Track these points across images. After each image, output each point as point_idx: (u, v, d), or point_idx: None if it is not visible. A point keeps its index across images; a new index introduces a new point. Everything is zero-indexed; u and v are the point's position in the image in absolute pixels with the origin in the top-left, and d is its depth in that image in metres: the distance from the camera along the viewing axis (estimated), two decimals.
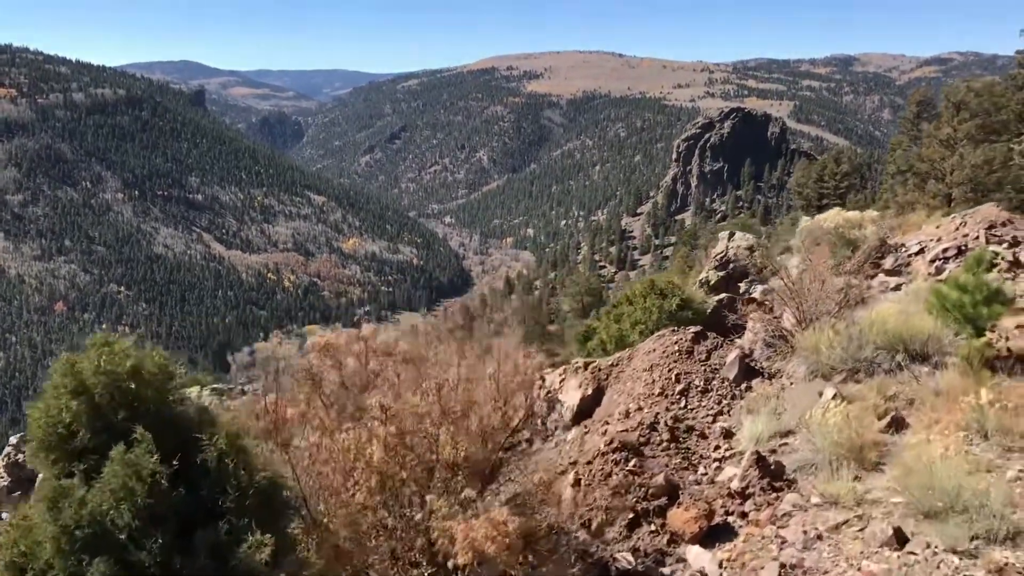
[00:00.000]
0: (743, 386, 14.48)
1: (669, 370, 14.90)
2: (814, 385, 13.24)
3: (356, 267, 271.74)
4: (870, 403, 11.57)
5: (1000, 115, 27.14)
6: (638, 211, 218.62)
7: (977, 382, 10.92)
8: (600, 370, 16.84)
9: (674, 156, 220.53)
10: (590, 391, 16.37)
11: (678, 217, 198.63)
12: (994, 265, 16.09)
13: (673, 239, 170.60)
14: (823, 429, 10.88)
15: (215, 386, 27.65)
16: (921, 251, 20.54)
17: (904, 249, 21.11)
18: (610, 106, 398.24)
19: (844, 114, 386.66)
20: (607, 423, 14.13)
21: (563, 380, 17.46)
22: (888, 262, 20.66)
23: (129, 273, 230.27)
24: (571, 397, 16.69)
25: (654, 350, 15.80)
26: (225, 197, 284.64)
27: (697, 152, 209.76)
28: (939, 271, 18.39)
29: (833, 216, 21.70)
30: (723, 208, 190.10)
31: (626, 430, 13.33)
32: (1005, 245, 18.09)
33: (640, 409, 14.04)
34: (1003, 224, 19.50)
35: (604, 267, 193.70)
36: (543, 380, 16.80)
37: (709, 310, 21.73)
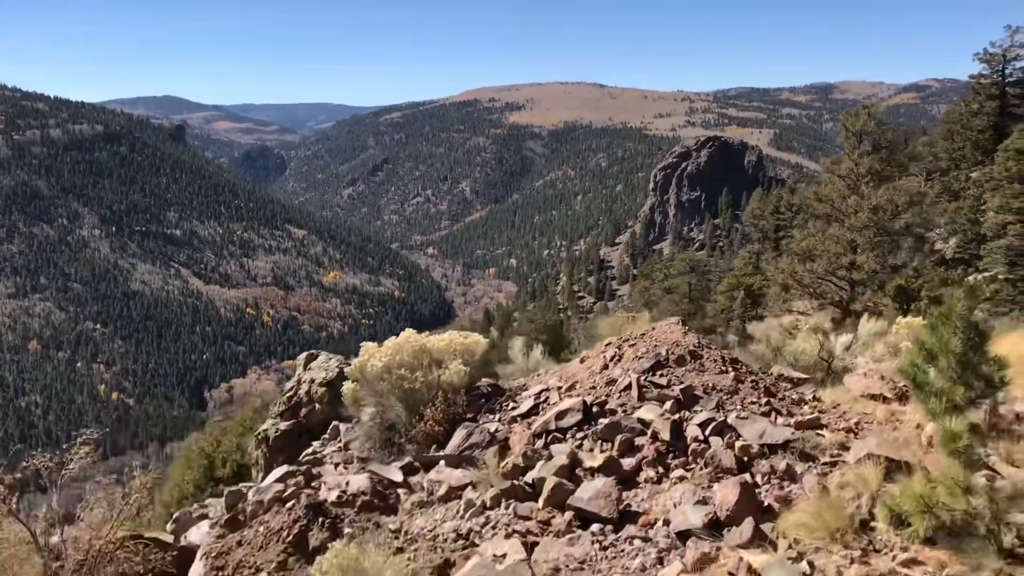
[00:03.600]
0: None
1: None
2: None
3: (337, 300, 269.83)
4: None
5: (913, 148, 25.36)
6: (617, 241, 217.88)
7: None
8: None
9: (651, 186, 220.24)
10: None
11: (656, 247, 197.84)
12: (635, 448, 10.42)
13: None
14: None
15: None
16: (536, 408, 12.46)
17: (510, 405, 13.01)
18: (592, 136, 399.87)
19: (824, 141, 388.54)
20: None
21: None
22: (457, 439, 12.28)
23: (105, 310, 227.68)
24: None
25: None
26: (204, 232, 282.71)
27: (674, 181, 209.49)
28: (529, 461, 10.75)
29: (399, 344, 13.70)
30: (701, 237, 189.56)
31: None
32: (668, 405, 10.91)
33: None
34: (678, 360, 12.09)
35: (583, 297, 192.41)
36: None
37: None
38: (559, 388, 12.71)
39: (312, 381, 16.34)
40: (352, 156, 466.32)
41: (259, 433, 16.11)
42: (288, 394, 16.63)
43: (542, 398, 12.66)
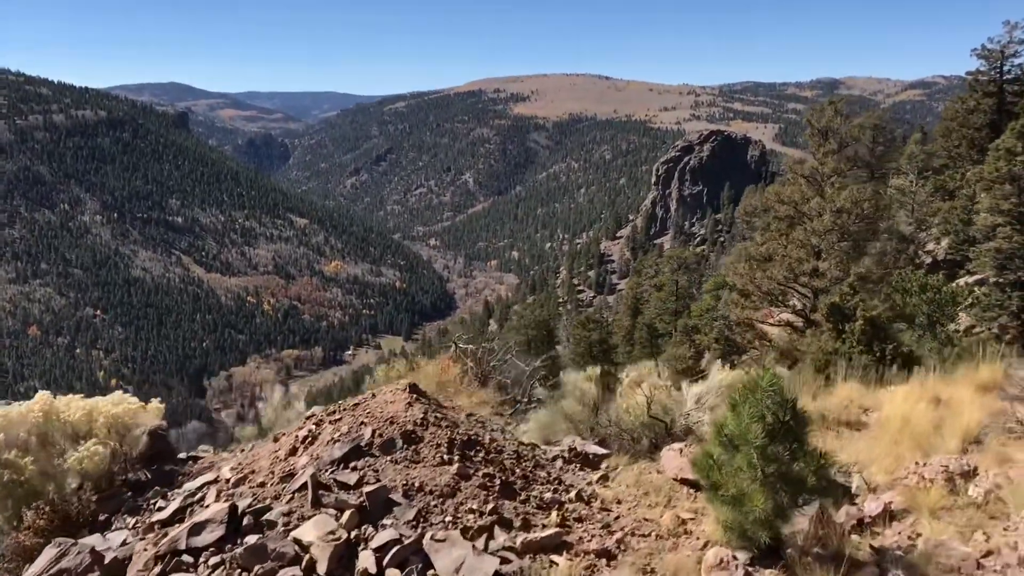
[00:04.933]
0: None
1: None
2: None
3: (338, 290, 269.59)
4: None
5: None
6: (618, 234, 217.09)
7: None
8: None
9: (653, 179, 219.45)
10: None
11: (657, 241, 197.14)
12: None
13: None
14: None
15: None
16: (184, 511, 9.01)
17: (158, 504, 9.70)
18: (596, 129, 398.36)
19: None
20: None
21: None
22: (42, 562, 8.38)
23: (106, 296, 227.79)
24: None
25: None
26: (206, 219, 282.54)
27: (676, 175, 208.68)
28: None
29: (22, 413, 10.64)
30: (702, 232, 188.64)
31: None
32: (346, 516, 7.85)
33: None
34: (385, 446, 8.97)
35: (583, 291, 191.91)
36: None
37: None
38: (227, 481, 9.10)
39: None
40: (356, 146, 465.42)
41: None
42: None
43: (198, 495, 9.00)
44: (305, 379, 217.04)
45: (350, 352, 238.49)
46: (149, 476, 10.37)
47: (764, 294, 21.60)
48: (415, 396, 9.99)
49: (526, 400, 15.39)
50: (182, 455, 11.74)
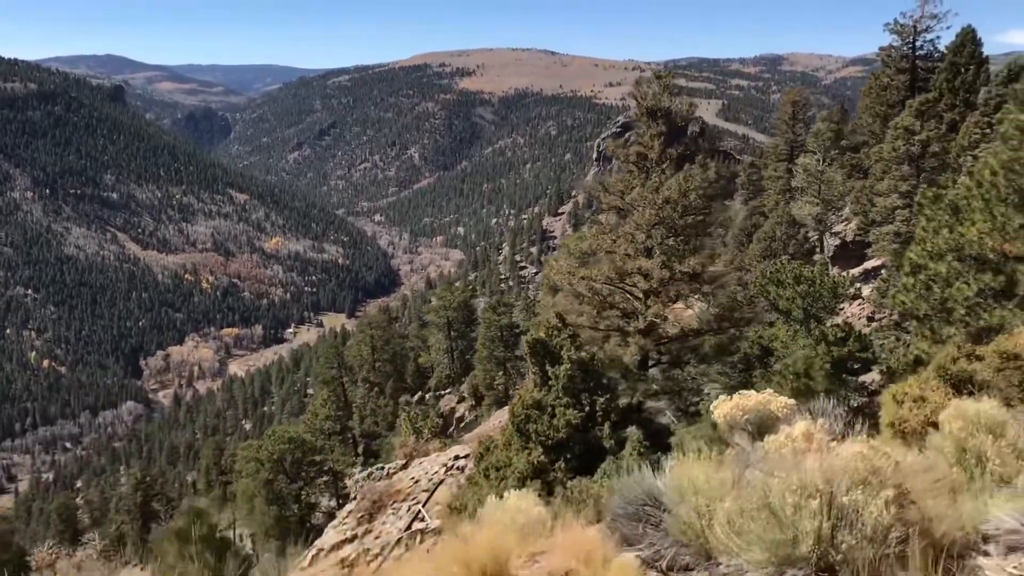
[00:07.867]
0: None
1: None
2: None
3: (279, 267, 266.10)
4: None
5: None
6: (560, 210, 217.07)
7: None
8: None
9: (594, 156, 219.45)
10: None
11: (599, 217, 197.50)
12: None
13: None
14: None
15: None
16: None
17: None
18: (542, 104, 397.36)
19: (771, 113, 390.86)
20: None
21: None
22: None
23: (38, 275, 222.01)
24: None
25: None
26: (142, 195, 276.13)
27: None
28: None
29: None
30: None
31: None
32: None
33: None
34: None
35: (525, 267, 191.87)
36: None
37: None
38: None
39: None
40: (299, 120, 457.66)
41: None
42: None
43: None
44: (245, 358, 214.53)
45: (291, 330, 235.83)
46: None
47: (592, 295, 20.10)
48: None
49: None
50: None
